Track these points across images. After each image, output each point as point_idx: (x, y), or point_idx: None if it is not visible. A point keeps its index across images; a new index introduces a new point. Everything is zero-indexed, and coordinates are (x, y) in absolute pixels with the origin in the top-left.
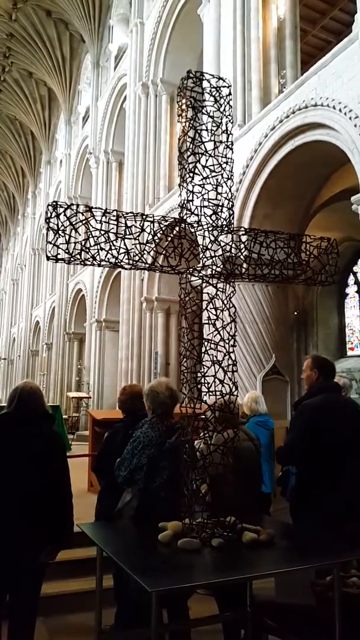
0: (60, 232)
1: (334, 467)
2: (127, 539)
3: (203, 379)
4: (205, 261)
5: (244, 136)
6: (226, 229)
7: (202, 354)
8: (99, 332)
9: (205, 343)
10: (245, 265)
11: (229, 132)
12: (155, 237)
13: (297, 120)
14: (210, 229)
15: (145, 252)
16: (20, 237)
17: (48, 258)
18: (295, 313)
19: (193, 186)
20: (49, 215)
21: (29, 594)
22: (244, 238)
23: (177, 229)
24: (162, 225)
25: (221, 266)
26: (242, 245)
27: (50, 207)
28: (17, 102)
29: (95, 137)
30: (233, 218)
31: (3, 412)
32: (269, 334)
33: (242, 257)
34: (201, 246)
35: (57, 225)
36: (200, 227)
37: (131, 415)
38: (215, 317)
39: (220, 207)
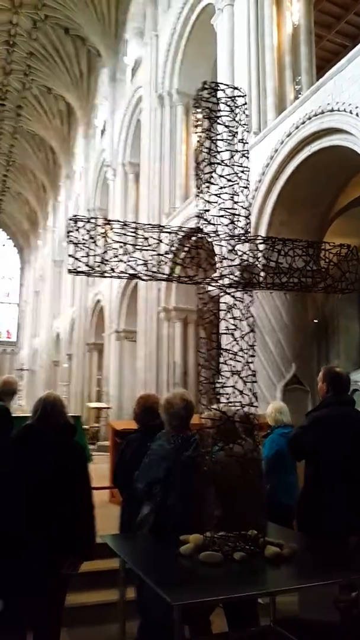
0: (80, 245)
1: (333, 480)
2: (149, 551)
3: (222, 389)
4: (222, 271)
5: (259, 143)
6: (243, 237)
7: (221, 365)
8: (117, 342)
9: (224, 353)
10: (263, 274)
11: (244, 141)
12: (173, 248)
13: (313, 126)
14: (227, 238)
15: (163, 262)
16: (42, 249)
17: (70, 271)
18: (315, 321)
19: (209, 196)
20: (69, 229)
21: (53, 605)
22: (261, 247)
23: (194, 239)
24: (179, 236)
25: (239, 275)
26: (260, 254)
27: (70, 221)
28: (37, 117)
29: (113, 150)
30: (250, 227)
31: (27, 423)
32: (289, 342)
33: (259, 265)
34: (218, 256)
35: (77, 238)
36: (217, 237)
37: (144, 426)
38: (233, 327)
39: (237, 216)
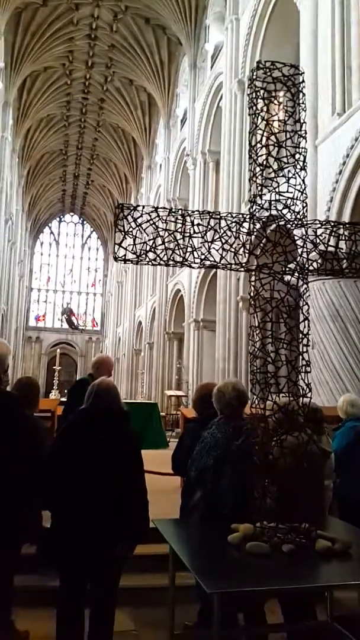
0: (128, 233)
1: None
2: (197, 537)
3: (274, 379)
4: (277, 257)
5: (343, 125)
6: (299, 222)
7: (274, 354)
8: (196, 331)
9: (279, 342)
10: (320, 261)
11: (302, 121)
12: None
13: None
14: (282, 222)
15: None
16: (124, 241)
17: (116, 259)
18: None
19: (263, 180)
20: (116, 217)
21: (108, 585)
22: (319, 231)
23: (245, 225)
24: (230, 222)
25: (294, 262)
26: (318, 240)
27: (117, 210)
28: (119, 110)
29: (193, 139)
30: (307, 210)
31: (81, 407)
32: None
33: (316, 252)
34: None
35: (124, 226)
36: (285, 222)
37: (201, 414)
38: (286, 316)
39: (294, 200)
